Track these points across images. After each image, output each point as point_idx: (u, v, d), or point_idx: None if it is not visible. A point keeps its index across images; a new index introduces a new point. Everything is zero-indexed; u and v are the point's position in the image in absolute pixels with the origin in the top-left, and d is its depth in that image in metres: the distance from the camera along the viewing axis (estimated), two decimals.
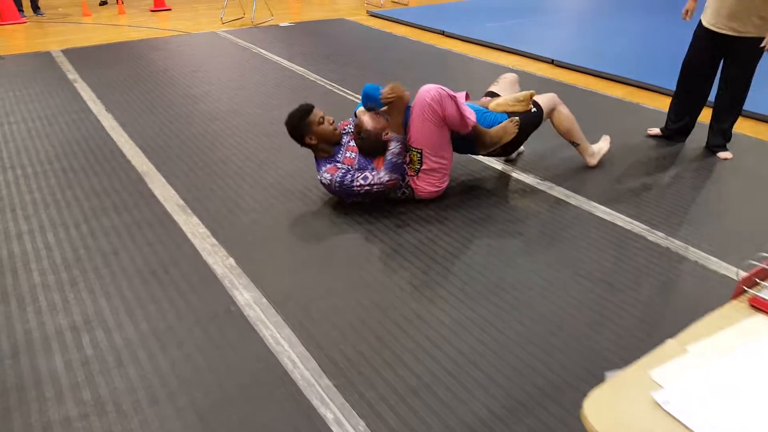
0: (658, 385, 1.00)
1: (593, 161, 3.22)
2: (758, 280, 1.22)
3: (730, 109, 3.44)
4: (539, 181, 3.10)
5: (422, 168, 2.71)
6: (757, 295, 1.17)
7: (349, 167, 2.73)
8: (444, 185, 2.83)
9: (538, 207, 2.85)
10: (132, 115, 4.04)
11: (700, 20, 3.34)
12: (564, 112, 3.08)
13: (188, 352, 1.93)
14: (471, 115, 2.69)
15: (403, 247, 2.50)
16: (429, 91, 2.56)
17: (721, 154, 3.45)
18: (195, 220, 2.72)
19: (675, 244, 2.54)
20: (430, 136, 2.64)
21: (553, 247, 2.51)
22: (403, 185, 2.79)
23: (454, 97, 2.60)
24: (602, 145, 3.31)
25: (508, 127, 2.83)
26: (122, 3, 8.03)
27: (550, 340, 1.99)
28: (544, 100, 3.07)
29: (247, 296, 2.21)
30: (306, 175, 3.16)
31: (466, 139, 2.82)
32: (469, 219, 2.73)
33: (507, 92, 3.17)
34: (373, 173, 2.67)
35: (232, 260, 2.42)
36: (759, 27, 3.13)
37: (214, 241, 2.56)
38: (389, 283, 2.26)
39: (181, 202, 2.88)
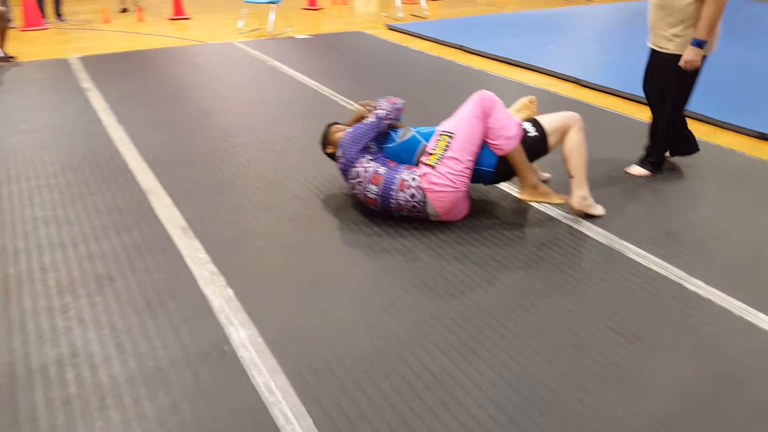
0: None
1: (575, 204, 2.80)
2: None
3: (655, 127, 3.29)
4: (565, 213, 2.90)
5: (445, 155, 2.59)
6: None
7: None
8: (459, 189, 2.61)
9: (565, 244, 2.65)
10: (142, 128, 3.93)
11: None
12: (574, 137, 2.74)
13: (175, 399, 1.77)
14: (511, 136, 2.65)
15: (414, 286, 2.32)
16: (485, 91, 2.72)
17: (630, 170, 3.33)
18: (196, 244, 2.58)
19: (716, 296, 2.32)
20: (467, 125, 2.64)
21: (580, 293, 2.31)
22: (413, 186, 2.60)
23: (507, 112, 2.71)
24: (596, 207, 2.87)
25: None
26: (142, 10, 8.00)
27: (575, 406, 1.78)
28: (554, 120, 2.78)
29: (242, 334, 2.04)
30: (316, 198, 3.01)
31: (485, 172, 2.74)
32: (487, 255, 2.54)
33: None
34: (376, 111, 2.78)
35: (230, 291, 2.27)
36: (672, 42, 2.97)
37: (214, 268, 2.41)
38: (398, 329, 2.08)
39: (184, 223, 2.74)
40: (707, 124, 4.25)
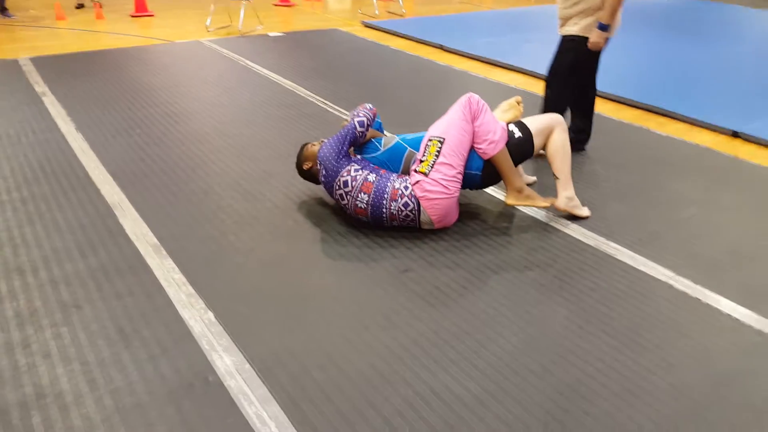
0: None
1: (562, 204, 2.76)
2: None
3: (584, 107, 3.54)
4: (552, 216, 2.84)
5: (437, 161, 2.52)
6: None
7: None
8: (453, 195, 2.55)
9: (554, 248, 2.58)
10: (105, 135, 3.70)
11: None
12: (557, 138, 2.72)
13: None
14: (495, 140, 2.61)
15: (409, 299, 2.22)
16: (473, 94, 2.66)
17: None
18: (170, 263, 2.41)
19: (705, 295, 2.30)
20: (456, 128, 2.58)
21: (574, 298, 2.25)
22: (406, 194, 2.52)
23: (493, 116, 2.67)
24: (582, 209, 2.83)
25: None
26: (100, 7, 7.64)
27: (578, 416, 1.73)
28: (538, 122, 2.77)
29: (227, 361, 1.90)
30: (297, 208, 2.87)
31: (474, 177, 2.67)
32: (479, 263, 2.45)
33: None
34: (354, 116, 2.70)
35: (211, 314, 2.12)
36: (577, 25, 3.24)
37: (191, 290, 2.25)
38: (396, 347, 1.97)
39: (155, 241, 2.56)
40: (683, 123, 4.28)
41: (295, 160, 3.01)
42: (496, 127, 2.63)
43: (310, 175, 2.85)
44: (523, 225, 2.78)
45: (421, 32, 6.88)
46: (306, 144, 2.89)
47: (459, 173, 2.57)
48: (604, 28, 3.16)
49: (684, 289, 2.33)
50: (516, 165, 2.70)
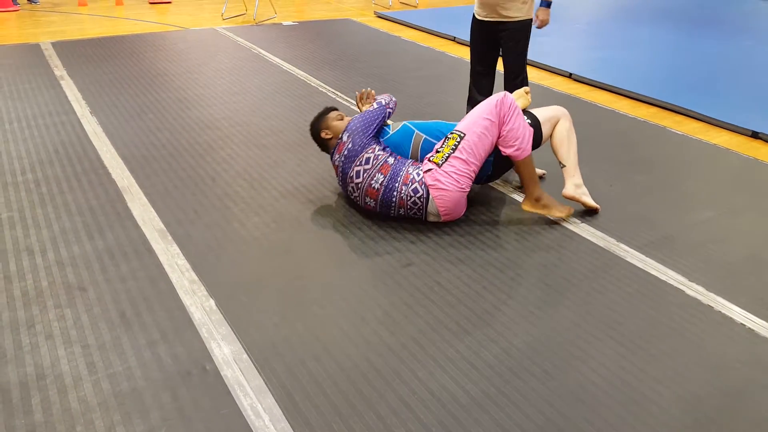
0: None
1: (569, 192, 2.74)
2: None
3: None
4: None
5: (453, 154, 2.51)
6: None
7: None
8: (463, 189, 2.54)
9: (562, 248, 2.54)
10: (118, 119, 3.73)
11: (473, 12, 3.52)
12: (563, 126, 2.77)
13: (153, 425, 1.63)
14: (524, 147, 2.59)
15: (410, 294, 2.19)
16: (508, 94, 2.63)
17: None
18: (175, 249, 2.42)
19: (717, 302, 2.23)
20: (479, 127, 2.55)
21: (581, 301, 2.21)
22: (417, 180, 2.51)
23: (523, 119, 2.62)
24: (591, 199, 2.78)
25: None
26: None
27: (580, 424, 1.68)
28: (544, 111, 2.81)
29: (226, 350, 1.90)
30: (302, 198, 2.86)
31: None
32: (483, 260, 2.42)
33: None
34: (378, 100, 2.77)
35: (212, 302, 2.12)
36: (521, 10, 3.28)
37: (194, 276, 2.25)
38: (393, 343, 1.95)
39: (162, 226, 2.57)
40: (700, 122, 4.17)
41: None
42: (525, 132, 2.59)
43: (321, 142, 2.80)
44: (530, 222, 2.74)
45: (434, 24, 6.81)
46: (332, 110, 2.84)
47: (472, 171, 2.55)
48: (549, 4, 3.30)
49: (696, 295, 2.25)
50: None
